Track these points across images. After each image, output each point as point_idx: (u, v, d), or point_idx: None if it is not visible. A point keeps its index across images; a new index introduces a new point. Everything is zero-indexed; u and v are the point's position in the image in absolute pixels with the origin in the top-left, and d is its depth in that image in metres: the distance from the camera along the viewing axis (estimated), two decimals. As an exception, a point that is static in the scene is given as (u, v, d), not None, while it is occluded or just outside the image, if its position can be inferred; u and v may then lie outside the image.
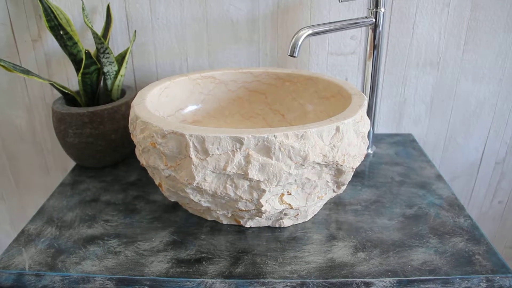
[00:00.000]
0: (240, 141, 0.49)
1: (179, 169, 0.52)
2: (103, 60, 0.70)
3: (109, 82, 0.73)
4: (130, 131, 0.59)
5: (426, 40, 0.80)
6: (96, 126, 0.70)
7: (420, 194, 0.68)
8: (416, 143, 0.84)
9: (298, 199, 0.56)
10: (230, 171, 0.50)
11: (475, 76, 0.84)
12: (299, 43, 0.60)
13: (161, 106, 0.67)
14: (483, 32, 0.80)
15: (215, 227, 0.60)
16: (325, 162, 0.52)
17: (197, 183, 0.51)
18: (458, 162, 0.92)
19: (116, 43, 0.80)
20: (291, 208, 0.55)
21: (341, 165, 0.53)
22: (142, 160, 0.56)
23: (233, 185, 0.51)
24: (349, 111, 0.56)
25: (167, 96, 0.68)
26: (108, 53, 0.69)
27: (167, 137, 0.51)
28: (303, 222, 0.61)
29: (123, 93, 0.77)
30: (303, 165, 0.51)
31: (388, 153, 0.81)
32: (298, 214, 0.59)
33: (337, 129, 0.52)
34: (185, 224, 0.61)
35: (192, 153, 0.50)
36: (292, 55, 0.61)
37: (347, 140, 0.53)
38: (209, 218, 0.61)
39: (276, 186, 0.52)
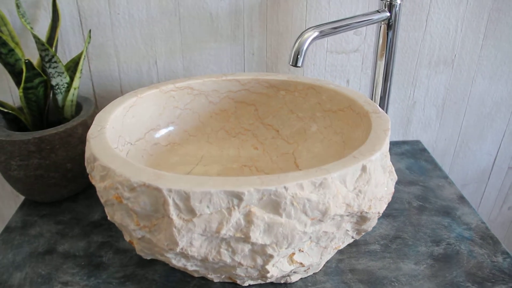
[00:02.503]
0: (238, 197, 0.36)
1: (156, 230, 0.39)
2: (50, 70, 0.55)
3: (59, 97, 0.58)
4: (87, 171, 0.45)
5: (441, 35, 0.69)
6: (46, 155, 0.55)
7: (445, 223, 0.57)
8: (428, 153, 0.73)
9: (312, 255, 0.44)
10: (225, 234, 0.37)
11: (493, 74, 0.73)
12: (304, 48, 0.47)
13: (127, 130, 0.53)
14: (505, 24, 0.68)
15: (204, 285, 0.48)
16: (349, 212, 0.40)
17: (181, 249, 0.38)
18: (469, 168, 0.82)
19: (68, 46, 0.64)
20: (303, 266, 0.43)
21: (366, 212, 0.41)
22: (106, 212, 0.42)
23: (230, 249, 0.39)
24: (374, 140, 0.43)
25: (133, 116, 0.54)
26: (55, 61, 0.54)
27: (136, 190, 0.37)
28: (314, 273, 0.49)
29: (79, 108, 0.62)
30: (322, 221, 0.39)
31: (399, 168, 0.70)
32: (309, 269, 0.47)
33: (363, 169, 0.40)
34: (166, 283, 0.48)
35: (173, 213, 0.36)
36: (295, 65, 0.47)
37: (375, 181, 0.41)
38: (196, 275, 0.49)
39: (286, 248, 0.39)
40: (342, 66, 0.70)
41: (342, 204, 0.39)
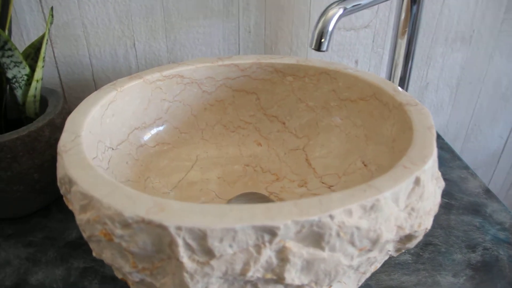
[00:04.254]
0: (271, 232, 0.27)
1: (159, 273, 0.30)
2: (4, 60, 0.44)
3: (18, 92, 0.47)
4: (61, 193, 0.35)
5: (460, 8, 0.61)
6: (7, 165, 0.44)
7: (477, 224, 0.51)
8: (442, 139, 0.67)
9: (349, 283, 0.36)
10: (252, 276, 0.29)
11: (512, 51, 0.66)
12: (330, 29, 0.38)
13: (107, 132, 0.43)
14: (530, -6, 0.61)
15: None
16: (400, 236, 0.32)
17: (194, 295, 0.30)
18: (479, 152, 0.77)
19: (25, 27, 0.53)
20: (337, 297, 0.36)
21: (415, 231, 0.34)
22: (91, 247, 0.33)
23: (256, 292, 0.30)
24: (421, 142, 0.35)
25: (113, 114, 0.44)
26: (9, 48, 0.43)
27: (132, 227, 0.28)
28: (342, 296, 0.42)
29: (44, 104, 0.51)
30: (371, 250, 0.31)
31: (415, 158, 0.62)
32: (340, 295, 0.39)
33: (417, 181, 0.32)
34: (166, 320, 0.39)
35: (184, 255, 0.28)
36: (318, 49, 0.38)
37: (427, 194, 0.33)
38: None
39: (327, 286, 0.31)
40: (351, 44, 0.61)
41: (393, 227, 0.31)
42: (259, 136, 0.54)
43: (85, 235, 0.32)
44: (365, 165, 0.47)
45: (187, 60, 0.50)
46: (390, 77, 0.57)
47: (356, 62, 0.63)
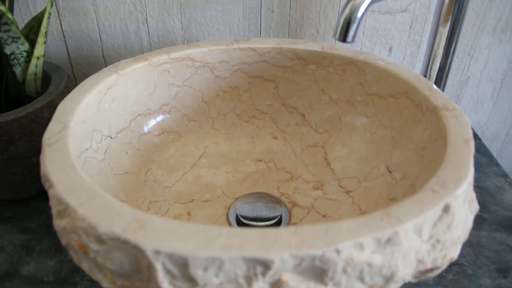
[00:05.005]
0: (264, 264, 0.23)
1: (138, 294, 0.26)
2: (1, 35, 0.40)
3: (17, 69, 0.44)
4: (46, 188, 0.32)
5: (517, -8, 0.53)
6: (3, 147, 0.42)
7: (511, 243, 0.45)
8: (479, 139, 0.60)
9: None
10: (241, 309, 0.25)
11: None
12: (358, 16, 0.32)
13: (105, 120, 0.39)
14: None
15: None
16: (419, 270, 0.28)
17: (176, 320, 0.26)
18: (520, 154, 0.70)
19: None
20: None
21: (439, 264, 0.29)
22: (70, 254, 0.30)
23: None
24: (455, 160, 0.30)
25: (113, 99, 0.40)
26: (6, 23, 0.39)
27: (107, 244, 0.24)
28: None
29: (47, 81, 0.48)
30: (384, 286, 0.26)
31: (448, 161, 0.56)
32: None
33: (446, 209, 0.27)
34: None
35: (163, 281, 0.24)
36: (343, 40, 0.33)
37: (456, 222, 0.28)
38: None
39: (328, 323, 0.27)
40: (385, 30, 0.55)
41: (412, 261, 0.27)
42: (275, 128, 0.49)
43: (62, 242, 0.28)
44: (389, 172, 0.41)
45: (199, 41, 0.45)
46: (427, 68, 0.51)
47: (390, 49, 0.57)
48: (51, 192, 0.28)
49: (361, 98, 0.45)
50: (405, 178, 0.39)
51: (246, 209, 0.42)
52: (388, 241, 0.25)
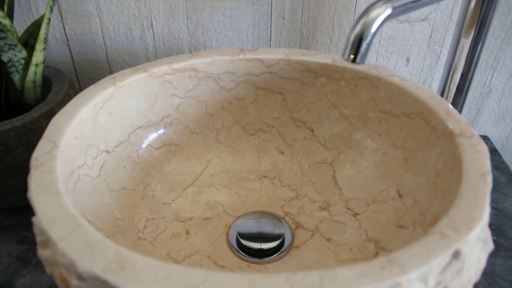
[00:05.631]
0: (252, 317, 0.21)
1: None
2: (-3, 41, 0.39)
3: (16, 77, 0.42)
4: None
5: (547, 1, 0.49)
6: (0, 157, 0.41)
7: (531, 274, 0.42)
8: (499, 156, 0.57)
9: None
10: None
11: None
12: (371, 33, 0.30)
13: (101, 134, 0.38)
14: None
15: None
16: (425, 320, 0.25)
17: None
18: (543, 170, 0.66)
19: (34, 2, 0.48)
20: None
21: (447, 309, 0.27)
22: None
23: None
24: (470, 198, 0.27)
25: (110, 113, 0.39)
26: (2, 30, 0.38)
27: (88, 282, 0.23)
28: None
29: (47, 86, 0.47)
30: None
31: (465, 179, 0.53)
32: None
33: (456, 255, 0.25)
34: None
35: (145, 326, 0.22)
36: (353, 61, 0.30)
37: (467, 267, 0.26)
38: None
39: None
40: (403, 39, 0.52)
41: (417, 311, 0.24)
42: (283, 142, 0.47)
43: (47, 271, 0.27)
44: (400, 196, 0.39)
45: (202, 51, 0.43)
46: (446, 80, 0.48)
47: (408, 60, 0.54)
48: (34, 220, 0.26)
49: (373, 115, 0.43)
50: (416, 205, 0.36)
51: (247, 230, 0.40)
52: (391, 292, 0.22)
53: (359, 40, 0.30)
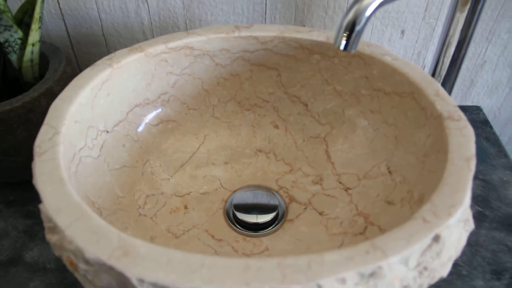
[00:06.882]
0: (246, 298, 0.23)
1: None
2: (-8, 22, 0.39)
3: (13, 57, 0.43)
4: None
5: (545, -27, 0.49)
6: (1, 137, 0.42)
7: (509, 243, 0.45)
8: (490, 127, 0.58)
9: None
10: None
11: None
12: (362, 22, 0.30)
13: (100, 115, 0.39)
14: None
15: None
16: (405, 295, 0.28)
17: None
18: (533, 138, 0.67)
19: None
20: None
21: (427, 284, 0.29)
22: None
23: None
24: (452, 182, 0.29)
25: (108, 94, 0.39)
26: (-3, 11, 0.38)
27: (95, 266, 0.25)
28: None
29: (45, 62, 0.47)
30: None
31: (454, 151, 0.55)
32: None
33: (436, 238, 0.27)
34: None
35: (149, 305, 0.24)
36: (344, 48, 0.31)
37: (447, 248, 0.28)
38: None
39: None
40: (398, 12, 0.52)
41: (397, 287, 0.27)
42: (277, 117, 0.48)
43: (55, 253, 0.29)
44: (389, 172, 0.41)
45: (197, 29, 0.44)
46: (440, 53, 0.48)
47: (403, 32, 0.54)
48: (41, 208, 0.28)
49: (366, 92, 0.43)
50: (404, 182, 0.38)
51: (243, 204, 0.42)
52: (372, 274, 0.24)
53: (351, 27, 0.31)
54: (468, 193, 0.29)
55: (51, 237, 0.28)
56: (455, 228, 0.28)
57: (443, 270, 0.30)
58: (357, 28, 0.31)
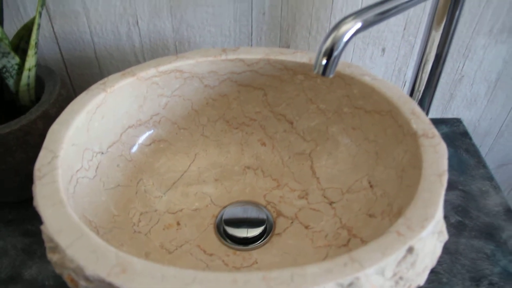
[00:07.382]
0: (234, 310, 0.25)
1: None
2: (-9, 50, 0.41)
3: (10, 81, 0.45)
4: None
5: (513, -5, 0.52)
6: (1, 158, 0.44)
7: (488, 251, 0.47)
8: (470, 139, 0.61)
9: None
10: None
11: None
12: (340, 47, 0.33)
13: (95, 137, 0.41)
14: None
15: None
16: (383, 304, 0.30)
17: None
18: (510, 147, 0.70)
19: (21, 1, 0.49)
20: None
21: (404, 293, 0.31)
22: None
23: None
24: (425, 197, 0.31)
25: (103, 116, 0.41)
26: (-5, 40, 0.40)
27: (95, 283, 0.27)
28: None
29: (41, 86, 0.49)
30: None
31: (435, 163, 0.58)
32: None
33: (410, 250, 0.29)
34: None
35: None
36: (323, 74, 0.33)
37: (422, 258, 0.30)
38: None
39: None
40: (378, 31, 0.55)
41: (376, 297, 0.29)
42: (264, 135, 0.50)
43: (56, 271, 0.31)
44: (371, 186, 0.43)
45: (186, 52, 0.46)
46: (418, 70, 0.51)
47: (383, 50, 0.57)
48: (43, 229, 0.30)
49: (348, 110, 0.46)
50: (385, 196, 0.40)
51: (233, 219, 0.44)
52: (350, 285, 0.27)
53: (330, 53, 0.33)
54: (440, 207, 0.31)
55: (52, 256, 0.29)
56: (429, 239, 0.30)
57: (419, 279, 0.32)
58: (335, 53, 0.33)
